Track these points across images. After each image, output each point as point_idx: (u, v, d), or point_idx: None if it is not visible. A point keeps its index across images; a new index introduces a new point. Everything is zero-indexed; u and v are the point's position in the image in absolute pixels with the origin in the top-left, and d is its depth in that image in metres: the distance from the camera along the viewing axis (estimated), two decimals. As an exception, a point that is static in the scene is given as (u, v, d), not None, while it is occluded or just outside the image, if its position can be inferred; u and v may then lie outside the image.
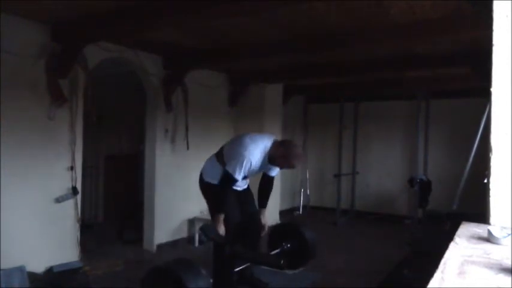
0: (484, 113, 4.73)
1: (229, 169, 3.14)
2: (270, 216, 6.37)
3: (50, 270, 3.30)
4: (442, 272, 1.07)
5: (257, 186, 3.65)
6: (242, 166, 3.11)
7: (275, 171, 3.55)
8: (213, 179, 3.40)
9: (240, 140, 3.31)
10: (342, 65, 5.34)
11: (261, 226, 3.59)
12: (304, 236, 3.61)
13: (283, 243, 3.60)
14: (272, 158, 3.25)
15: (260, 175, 3.58)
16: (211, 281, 2.74)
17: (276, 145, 3.26)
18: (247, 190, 3.67)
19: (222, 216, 3.25)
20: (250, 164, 3.14)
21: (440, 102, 6.98)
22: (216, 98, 6.02)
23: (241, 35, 4.05)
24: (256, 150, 3.18)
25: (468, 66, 4.73)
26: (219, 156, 3.44)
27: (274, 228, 3.88)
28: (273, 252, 3.49)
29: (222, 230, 3.24)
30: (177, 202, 5.29)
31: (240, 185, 3.51)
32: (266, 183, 3.60)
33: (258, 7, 3.00)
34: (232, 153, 3.24)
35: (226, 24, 3.72)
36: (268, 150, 3.23)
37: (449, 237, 1.42)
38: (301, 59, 5.19)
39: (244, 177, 3.40)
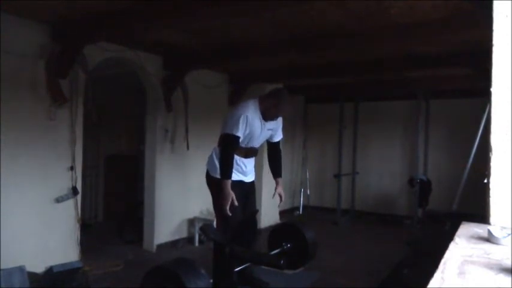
0: (484, 113, 4.74)
1: (228, 130, 3.14)
2: (270, 216, 6.42)
3: (50, 270, 3.30)
4: (442, 272, 1.07)
5: (257, 186, 3.64)
6: (239, 123, 3.11)
7: (278, 137, 3.58)
8: (215, 171, 3.37)
9: (231, 110, 3.39)
10: (342, 65, 5.33)
11: (280, 195, 3.62)
12: (304, 236, 3.61)
13: (283, 243, 3.60)
14: (264, 112, 3.28)
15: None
16: (211, 281, 2.74)
17: (263, 99, 3.32)
18: (252, 185, 3.63)
19: (229, 182, 3.17)
20: (247, 120, 3.14)
21: (440, 102, 6.98)
22: (216, 98, 6.02)
23: (241, 35, 4.05)
24: (249, 108, 3.21)
25: (468, 66, 4.73)
26: (219, 143, 3.44)
27: (274, 228, 3.88)
28: (273, 252, 3.49)
29: (230, 196, 3.15)
30: (177, 202, 5.29)
31: (246, 172, 3.47)
32: (273, 153, 3.63)
33: (258, 7, 3.00)
34: (226, 122, 3.26)
35: (226, 24, 3.72)
36: (259, 107, 3.27)
37: (449, 237, 1.42)
38: (301, 59, 5.19)
39: (250, 153, 3.40)
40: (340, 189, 7.17)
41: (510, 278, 1.02)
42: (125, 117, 6.61)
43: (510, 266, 1.09)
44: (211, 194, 3.51)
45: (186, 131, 5.30)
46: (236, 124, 3.12)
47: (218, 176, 3.31)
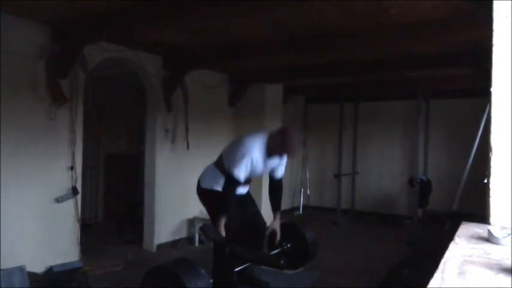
0: (484, 113, 4.74)
1: (231, 170, 3.08)
2: (271, 216, 6.40)
3: (50, 270, 3.29)
4: (442, 272, 1.07)
5: (256, 185, 3.60)
6: (243, 165, 3.05)
7: (280, 172, 3.46)
8: (211, 185, 3.34)
9: (238, 141, 3.26)
10: (342, 65, 5.33)
11: (273, 233, 3.48)
12: (304, 236, 3.61)
13: (283, 243, 3.60)
14: (270, 148, 3.19)
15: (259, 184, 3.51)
16: (211, 281, 2.74)
17: (272, 136, 3.21)
18: (247, 193, 3.60)
19: (223, 220, 3.10)
20: (251, 162, 3.08)
21: (440, 102, 6.98)
22: (216, 98, 6.02)
23: (241, 35, 4.05)
24: (255, 147, 3.12)
25: (468, 66, 4.73)
26: (218, 163, 3.37)
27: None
28: (273, 252, 3.49)
29: (223, 233, 3.15)
30: (177, 202, 5.29)
31: (241, 191, 3.42)
32: (274, 188, 3.51)
33: (258, 7, 3.00)
34: (232, 155, 3.18)
35: (226, 24, 3.72)
36: (266, 143, 3.17)
37: (449, 237, 1.42)
38: (301, 59, 5.19)
39: (246, 182, 3.35)
40: (340, 189, 7.18)
41: (510, 278, 1.02)
42: (125, 117, 6.61)
43: (510, 266, 1.09)
44: (204, 205, 3.52)
45: (186, 130, 5.30)
46: (240, 166, 3.05)
47: (209, 188, 3.34)
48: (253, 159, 3.09)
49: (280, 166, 3.43)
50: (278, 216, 3.49)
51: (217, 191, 3.28)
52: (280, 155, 3.32)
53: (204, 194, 3.42)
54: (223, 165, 3.28)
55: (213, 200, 3.29)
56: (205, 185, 3.39)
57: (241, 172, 3.06)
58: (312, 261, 3.73)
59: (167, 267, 2.68)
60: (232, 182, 3.10)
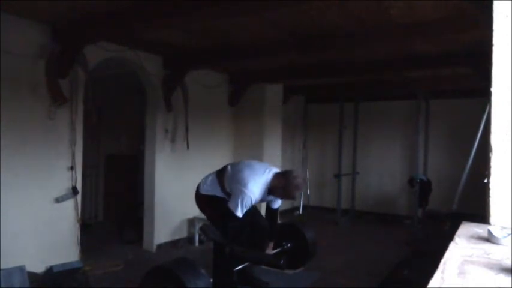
0: (484, 113, 4.74)
1: (231, 207, 3.11)
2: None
3: (50, 270, 3.29)
4: (442, 272, 1.07)
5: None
6: (244, 205, 3.08)
7: (277, 204, 3.50)
8: (210, 192, 3.40)
9: (241, 174, 3.21)
10: (342, 65, 5.34)
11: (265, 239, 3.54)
12: (304, 235, 3.61)
13: (284, 243, 3.61)
14: (272, 189, 3.21)
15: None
16: (211, 280, 2.74)
17: (276, 177, 3.20)
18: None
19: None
20: (251, 201, 3.12)
21: (440, 102, 6.98)
22: (216, 98, 6.02)
23: (241, 35, 4.05)
24: (257, 186, 3.13)
25: (468, 66, 4.73)
26: (220, 176, 3.40)
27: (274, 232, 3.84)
28: (273, 252, 3.49)
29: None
30: (177, 202, 5.28)
31: None
32: (270, 216, 3.55)
33: (258, 7, 3.00)
34: (235, 188, 3.18)
35: (226, 24, 3.72)
36: (269, 182, 3.18)
37: (449, 237, 1.42)
38: (302, 59, 5.19)
39: None
40: (340, 189, 7.17)
41: (510, 278, 1.02)
42: (125, 117, 6.61)
43: (510, 266, 1.09)
44: (201, 210, 3.59)
45: (186, 130, 5.30)
46: (242, 205, 3.08)
47: (208, 194, 3.41)
48: (253, 199, 3.13)
49: (278, 200, 3.46)
50: (271, 245, 3.52)
51: (215, 196, 3.36)
52: (281, 198, 3.38)
53: (203, 200, 3.48)
54: (224, 183, 3.33)
55: (212, 202, 3.37)
56: (205, 191, 3.44)
57: (242, 212, 3.10)
58: (311, 260, 3.74)
59: (167, 267, 2.68)
60: (233, 217, 3.11)
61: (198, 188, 3.53)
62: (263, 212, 3.68)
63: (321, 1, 3.07)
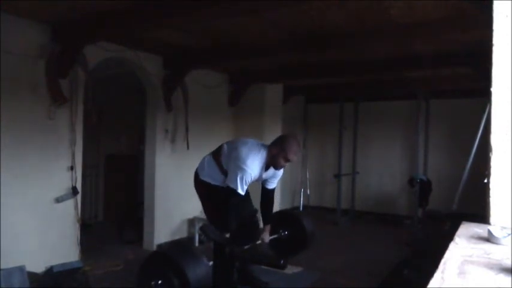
0: (484, 113, 4.73)
1: (232, 185, 3.09)
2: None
3: (50, 270, 3.30)
4: (442, 272, 1.07)
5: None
6: (244, 181, 3.06)
7: (273, 184, 3.47)
8: (209, 178, 3.38)
9: (239, 151, 3.18)
10: (342, 65, 5.33)
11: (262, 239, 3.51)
12: (301, 223, 3.60)
13: (280, 230, 3.60)
14: (270, 161, 3.19)
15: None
16: (210, 263, 2.72)
17: (270, 148, 3.19)
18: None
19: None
20: (251, 177, 3.11)
21: (440, 102, 6.98)
22: (216, 98, 6.02)
23: (241, 35, 4.05)
24: (255, 163, 3.12)
25: (468, 66, 4.73)
26: (216, 156, 3.37)
27: (272, 216, 3.81)
28: (270, 237, 3.48)
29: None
30: (177, 202, 5.29)
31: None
32: (266, 200, 3.52)
33: (258, 7, 3.00)
34: (233, 164, 3.15)
35: (226, 24, 3.72)
36: (265, 157, 3.16)
37: (449, 237, 1.42)
38: (301, 59, 5.19)
39: None
40: (340, 189, 7.17)
41: (510, 278, 1.02)
42: (125, 117, 6.61)
43: (510, 266, 1.09)
44: (200, 197, 3.53)
45: (186, 130, 5.30)
46: (242, 182, 3.06)
47: (207, 180, 3.37)
48: (253, 176, 3.12)
49: (274, 178, 3.44)
50: (268, 229, 3.49)
51: (215, 186, 3.33)
52: (280, 167, 3.30)
53: (203, 187, 3.44)
54: (222, 162, 3.30)
55: (211, 193, 3.35)
56: (204, 177, 3.41)
57: (243, 189, 3.08)
58: (311, 261, 3.73)
59: (166, 252, 2.67)
60: (235, 195, 3.10)
61: (196, 172, 3.49)
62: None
63: (321, 1, 3.07)
